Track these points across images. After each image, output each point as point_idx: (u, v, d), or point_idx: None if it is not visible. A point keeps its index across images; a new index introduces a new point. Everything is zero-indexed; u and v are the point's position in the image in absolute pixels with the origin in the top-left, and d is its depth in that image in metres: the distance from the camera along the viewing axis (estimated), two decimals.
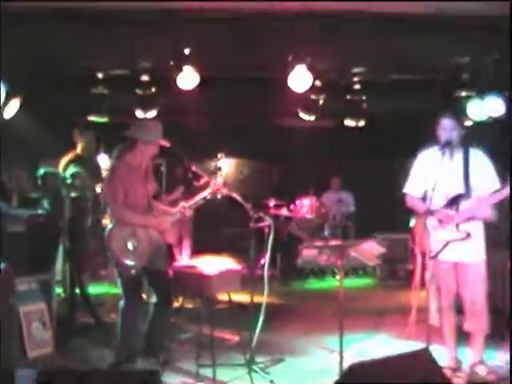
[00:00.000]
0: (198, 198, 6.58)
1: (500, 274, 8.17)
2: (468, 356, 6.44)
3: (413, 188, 6.47)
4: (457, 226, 6.08)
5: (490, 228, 6.32)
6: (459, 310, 6.41)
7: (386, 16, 7.27)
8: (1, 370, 4.42)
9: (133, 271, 6.10)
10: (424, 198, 6.25)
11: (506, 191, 5.85)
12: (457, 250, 6.13)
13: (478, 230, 6.17)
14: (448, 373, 5.80)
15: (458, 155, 6.23)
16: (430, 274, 6.10)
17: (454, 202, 6.12)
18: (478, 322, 6.23)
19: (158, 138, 6.37)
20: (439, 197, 6.07)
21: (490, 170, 6.16)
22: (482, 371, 6.28)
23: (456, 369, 6.38)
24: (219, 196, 6.71)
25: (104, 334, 7.48)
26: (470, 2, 7.04)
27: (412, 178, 6.51)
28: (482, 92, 9.52)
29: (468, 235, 6.05)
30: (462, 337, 6.46)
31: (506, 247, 8.18)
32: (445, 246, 6.13)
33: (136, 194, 6.27)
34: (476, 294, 6.19)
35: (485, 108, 9.46)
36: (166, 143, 6.43)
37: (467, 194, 6.09)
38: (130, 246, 6.08)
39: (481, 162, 6.19)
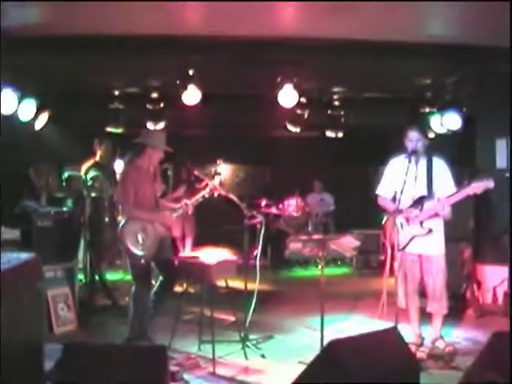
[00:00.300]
0: (198, 196, 6.61)
1: (456, 264, 8.23)
2: (429, 333, 6.48)
3: (384, 190, 6.50)
4: (421, 223, 6.12)
5: (448, 225, 6.36)
6: (422, 294, 6.44)
7: (362, 42, 7.30)
8: (31, 345, 4.42)
9: (142, 261, 6.14)
10: (394, 199, 6.27)
11: (463, 193, 5.89)
12: (421, 243, 6.17)
13: (438, 227, 6.20)
14: (413, 348, 5.84)
15: (423, 162, 6.25)
16: (398, 264, 6.13)
17: (418, 202, 6.15)
18: (439, 305, 6.27)
19: (163, 144, 6.42)
20: (406, 198, 6.10)
21: (449, 176, 6.20)
22: (441, 345, 6.31)
23: (419, 344, 6.41)
24: (216, 195, 6.73)
25: (119, 314, 7.48)
26: (436, 30, 7.09)
27: (383, 181, 6.54)
28: (442, 108, 9.56)
29: (430, 231, 6.09)
30: (425, 317, 6.50)
31: (460, 241, 8.27)
32: (410, 240, 6.17)
33: (145, 193, 6.29)
34: (437, 281, 6.22)
35: (444, 122, 9.50)
36: (169, 149, 6.47)
37: (430, 195, 6.13)
38: (139, 239, 6.11)
39: (441, 168, 6.23)
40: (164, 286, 6.36)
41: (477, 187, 5.81)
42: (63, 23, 6.65)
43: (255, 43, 7.28)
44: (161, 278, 6.40)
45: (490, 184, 5.78)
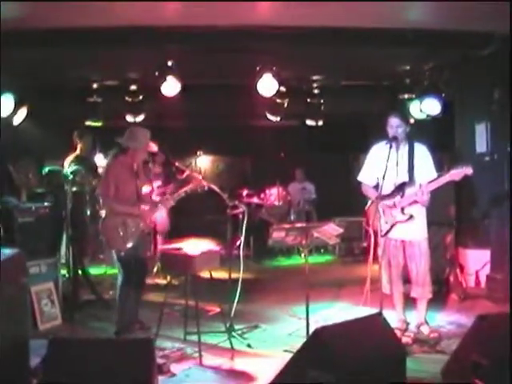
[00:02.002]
0: (180, 191, 6.62)
1: (439, 249, 8.29)
2: (414, 318, 6.53)
3: (366, 177, 6.52)
4: (402, 209, 6.15)
5: (430, 210, 6.40)
6: (406, 279, 6.49)
7: (340, 30, 7.30)
8: (16, 341, 4.40)
9: (122, 253, 6.18)
10: (376, 186, 6.30)
11: (442, 180, 5.93)
12: (403, 229, 6.21)
13: (420, 213, 6.23)
14: (398, 333, 5.87)
15: (404, 148, 6.28)
16: (382, 250, 6.18)
17: (399, 188, 6.18)
18: (422, 289, 6.32)
19: (145, 145, 6.42)
20: (388, 184, 6.13)
21: (430, 161, 6.24)
22: (425, 330, 6.37)
23: (404, 329, 6.46)
24: (199, 190, 6.72)
25: (103, 308, 7.48)
26: (413, 17, 7.10)
27: (365, 168, 6.56)
28: (421, 94, 9.60)
29: (411, 217, 6.13)
30: (409, 302, 6.55)
31: (443, 226, 8.33)
32: (392, 226, 6.21)
33: (126, 189, 6.34)
34: (420, 266, 6.27)
35: (424, 108, 9.53)
36: (153, 148, 6.48)
37: (411, 182, 6.16)
38: (120, 232, 6.13)
39: (422, 154, 6.26)
40: (134, 281, 6.34)
41: (456, 174, 5.86)
42: (39, 17, 6.59)
43: (233, 32, 7.26)
44: (126, 272, 6.37)
45: (468, 171, 5.82)
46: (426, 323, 6.44)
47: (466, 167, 5.83)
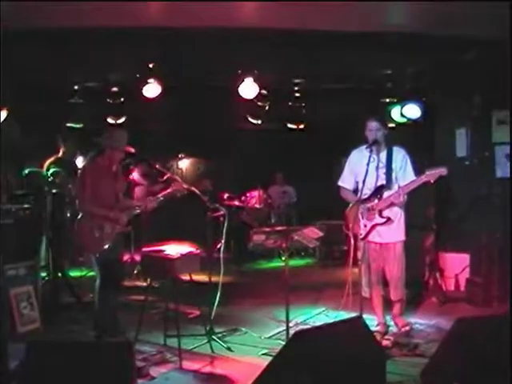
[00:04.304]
0: (160, 195, 6.59)
1: (419, 252, 8.35)
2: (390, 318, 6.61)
3: (345, 181, 6.55)
4: (379, 212, 6.19)
5: (411, 214, 6.45)
6: (385, 282, 6.52)
7: (322, 34, 7.32)
8: None
9: (97, 255, 6.16)
10: (356, 190, 6.34)
11: (418, 181, 5.98)
12: (381, 232, 6.25)
13: (397, 215, 6.28)
14: (378, 336, 5.91)
15: (383, 152, 6.32)
16: (362, 253, 6.21)
17: (377, 192, 6.21)
18: (395, 291, 6.38)
19: (123, 145, 6.40)
20: (368, 188, 6.17)
21: (409, 165, 6.28)
22: (399, 322, 6.53)
23: (384, 333, 6.50)
24: (179, 194, 6.71)
25: (83, 311, 7.44)
26: (395, 21, 7.14)
27: (345, 172, 6.59)
28: (402, 99, 9.65)
29: (388, 219, 6.18)
30: (389, 305, 6.59)
31: (423, 230, 8.39)
32: (371, 229, 6.24)
33: (103, 190, 6.30)
34: (393, 267, 6.32)
35: (405, 112, 9.58)
36: (131, 150, 6.46)
37: (388, 185, 6.19)
38: (95, 233, 6.12)
39: (401, 158, 6.30)
40: (108, 284, 6.32)
41: (431, 175, 5.91)
42: (20, 17, 6.54)
43: (214, 35, 7.26)
44: (103, 274, 6.35)
45: (442, 172, 5.87)
46: (399, 317, 6.51)
47: (440, 168, 5.88)
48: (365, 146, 6.28)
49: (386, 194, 6.19)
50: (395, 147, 6.37)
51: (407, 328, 6.43)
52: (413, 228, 6.79)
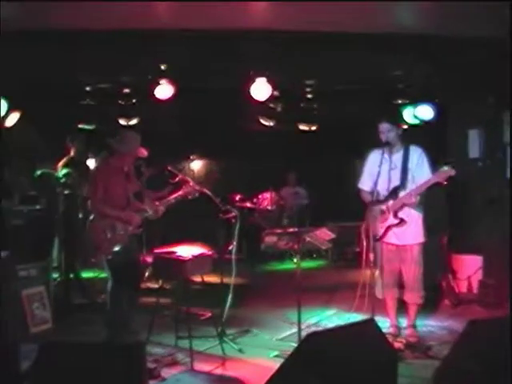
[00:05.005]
0: (171, 198, 6.58)
1: (435, 254, 8.31)
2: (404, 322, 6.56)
3: (364, 184, 6.53)
4: (394, 213, 6.16)
5: (429, 216, 6.43)
6: (401, 284, 6.49)
7: (334, 35, 7.30)
8: (7, 344, 4.39)
9: (109, 256, 6.12)
10: (373, 192, 6.32)
11: (427, 182, 5.96)
12: (397, 234, 6.23)
13: (414, 217, 6.24)
14: (390, 338, 5.88)
15: (399, 153, 6.30)
16: (379, 255, 6.21)
17: (393, 193, 6.20)
18: (412, 294, 6.34)
19: (135, 149, 6.38)
20: (382, 189, 6.18)
21: (425, 165, 6.22)
22: (408, 333, 6.45)
23: (397, 335, 6.47)
24: (190, 197, 6.70)
25: (95, 312, 7.45)
26: (407, 22, 7.11)
27: (363, 175, 6.58)
28: (414, 100, 9.62)
29: (402, 221, 6.15)
30: (402, 308, 6.56)
31: (436, 233, 8.33)
32: (386, 230, 6.22)
33: (115, 191, 6.25)
34: (411, 271, 6.29)
35: (417, 113, 9.56)
36: (143, 153, 6.45)
37: (403, 186, 6.16)
38: (108, 235, 6.10)
39: (418, 157, 6.25)
40: (125, 286, 6.28)
41: (439, 176, 5.88)
42: (32, 18, 6.55)
43: (226, 36, 7.25)
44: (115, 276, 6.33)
45: (451, 172, 5.84)
46: (412, 327, 6.46)
47: (449, 169, 5.84)
48: (381, 148, 6.28)
49: (400, 195, 6.17)
50: (412, 146, 6.34)
51: (412, 340, 6.38)
52: (431, 230, 6.75)
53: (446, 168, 5.92)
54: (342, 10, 6.53)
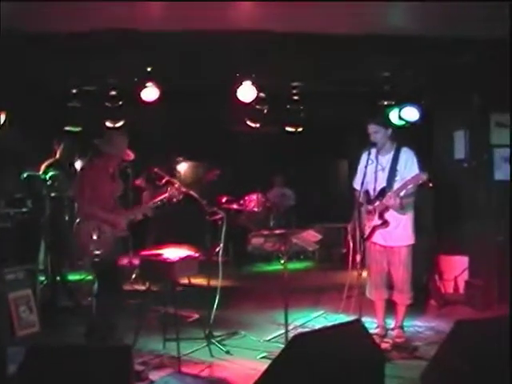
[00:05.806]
0: (157, 200, 6.54)
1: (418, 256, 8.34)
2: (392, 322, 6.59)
3: (357, 184, 6.53)
4: (379, 214, 6.19)
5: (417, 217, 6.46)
6: (389, 285, 6.52)
7: (320, 36, 7.31)
8: None
9: (96, 259, 6.06)
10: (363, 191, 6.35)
11: (405, 185, 5.98)
12: (384, 235, 6.26)
13: (402, 220, 6.27)
14: (377, 339, 5.90)
15: (388, 154, 6.33)
16: (367, 255, 6.24)
17: (380, 194, 6.22)
18: (401, 295, 6.37)
19: (122, 150, 6.36)
20: (371, 190, 6.22)
21: (414, 166, 6.24)
22: (395, 333, 6.48)
23: (383, 335, 6.50)
24: (174, 200, 6.69)
25: (82, 315, 7.42)
26: (393, 23, 7.13)
27: (357, 175, 6.61)
28: (400, 101, 9.65)
29: (385, 222, 6.18)
30: (390, 308, 6.59)
31: (422, 233, 8.35)
32: (372, 231, 6.25)
33: (102, 192, 6.22)
34: (399, 272, 6.32)
35: (403, 115, 9.58)
36: (129, 155, 6.43)
37: (389, 187, 6.18)
38: (94, 236, 6.06)
39: (407, 158, 6.29)
40: (106, 288, 6.25)
41: (412, 180, 5.96)
42: (18, 19, 6.52)
43: (212, 38, 7.25)
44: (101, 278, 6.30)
45: (422, 177, 5.91)
46: (399, 328, 6.49)
47: (421, 173, 5.95)
48: (371, 148, 6.32)
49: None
50: (404, 148, 6.37)
51: (399, 340, 6.41)
52: (420, 231, 6.78)
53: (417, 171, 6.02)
54: (329, 12, 6.55)
